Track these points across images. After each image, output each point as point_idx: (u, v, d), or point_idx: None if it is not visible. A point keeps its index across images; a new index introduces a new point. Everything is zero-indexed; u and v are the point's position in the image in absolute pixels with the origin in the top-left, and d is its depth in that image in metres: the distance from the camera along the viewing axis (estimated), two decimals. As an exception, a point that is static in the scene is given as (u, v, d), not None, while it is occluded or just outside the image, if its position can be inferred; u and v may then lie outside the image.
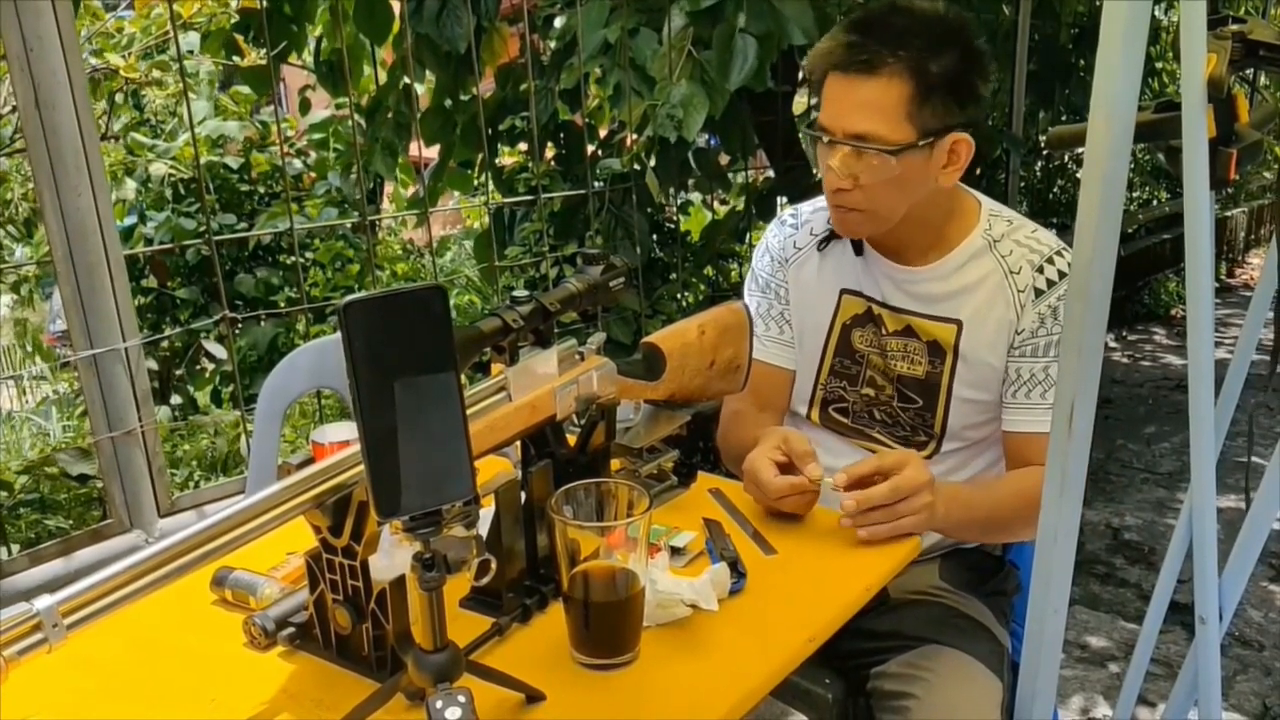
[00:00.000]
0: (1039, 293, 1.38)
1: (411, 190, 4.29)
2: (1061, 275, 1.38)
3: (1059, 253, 1.40)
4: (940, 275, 1.42)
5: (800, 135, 1.42)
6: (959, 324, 1.41)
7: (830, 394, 1.51)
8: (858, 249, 1.47)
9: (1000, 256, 1.41)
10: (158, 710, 0.96)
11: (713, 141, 3.32)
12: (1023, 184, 4.88)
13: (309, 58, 3.11)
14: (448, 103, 3.04)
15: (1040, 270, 1.39)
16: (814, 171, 3.46)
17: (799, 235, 1.54)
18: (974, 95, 1.33)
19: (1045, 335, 1.37)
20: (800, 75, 3.58)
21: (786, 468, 1.26)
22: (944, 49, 1.28)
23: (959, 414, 1.43)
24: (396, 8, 2.77)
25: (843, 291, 1.49)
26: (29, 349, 4.50)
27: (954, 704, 1.25)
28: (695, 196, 4.01)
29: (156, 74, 3.74)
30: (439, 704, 0.80)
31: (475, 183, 3.34)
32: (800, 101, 3.81)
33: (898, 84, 1.27)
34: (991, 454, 1.48)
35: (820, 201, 1.54)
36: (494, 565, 0.86)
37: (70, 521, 2.75)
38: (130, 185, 4.00)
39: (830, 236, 1.50)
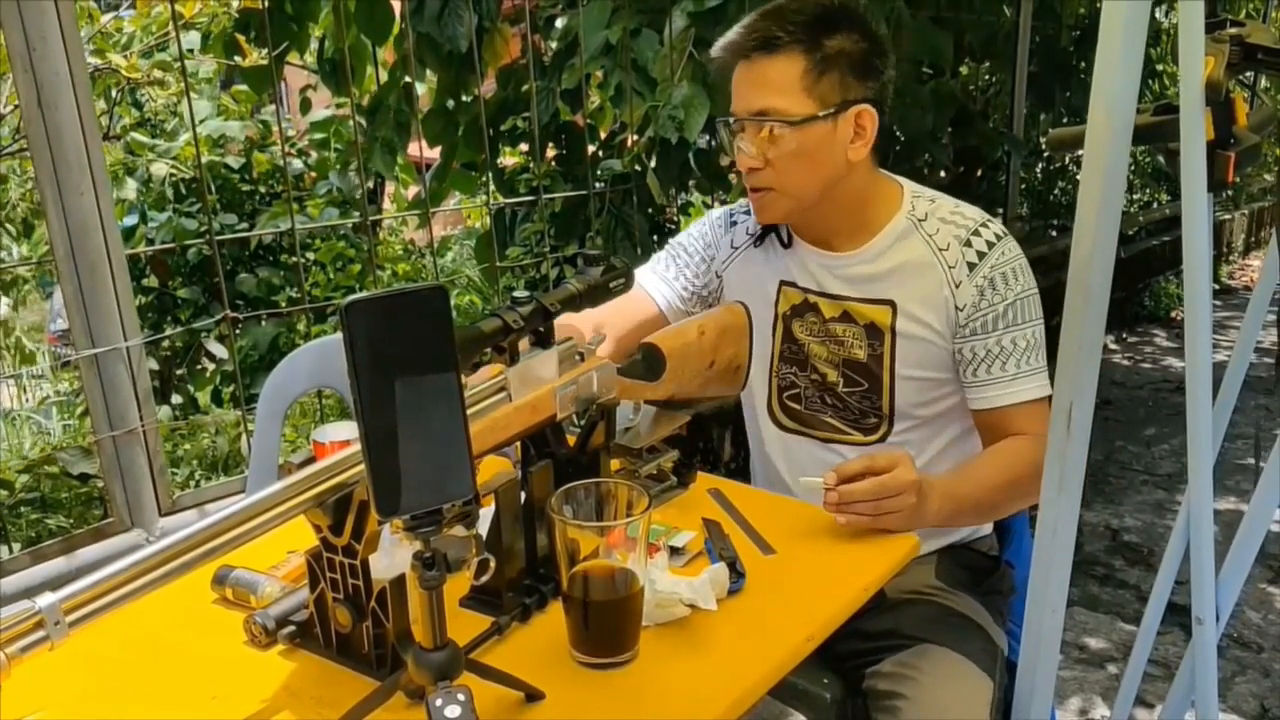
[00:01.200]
0: (971, 266, 1.40)
1: (414, 191, 4.30)
2: (990, 245, 1.40)
3: (984, 224, 1.42)
4: (868, 258, 1.45)
5: (719, 131, 1.47)
6: (892, 304, 1.43)
7: (784, 380, 1.53)
8: (785, 241, 1.51)
9: (927, 235, 1.43)
10: (158, 708, 0.96)
11: (714, 142, 3.32)
12: (1023, 186, 4.88)
13: (310, 58, 3.11)
14: (450, 104, 3.04)
15: (968, 244, 1.40)
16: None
17: (750, 222, 1.57)
18: (873, 71, 1.39)
19: (989, 309, 1.39)
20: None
21: None
22: (836, 28, 1.36)
23: (905, 393, 1.44)
24: (397, 8, 2.77)
25: (781, 283, 1.52)
26: (27, 350, 4.50)
27: (944, 703, 1.25)
28: (696, 197, 4.01)
29: (158, 73, 3.74)
30: (439, 702, 0.81)
31: (479, 183, 3.34)
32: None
33: (793, 59, 1.35)
34: (951, 431, 1.49)
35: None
36: (493, 564, 0.86)
37: (71, 520, 2.76)
38: (131, 185, 4.00)
39: (764, 232, 1.54)
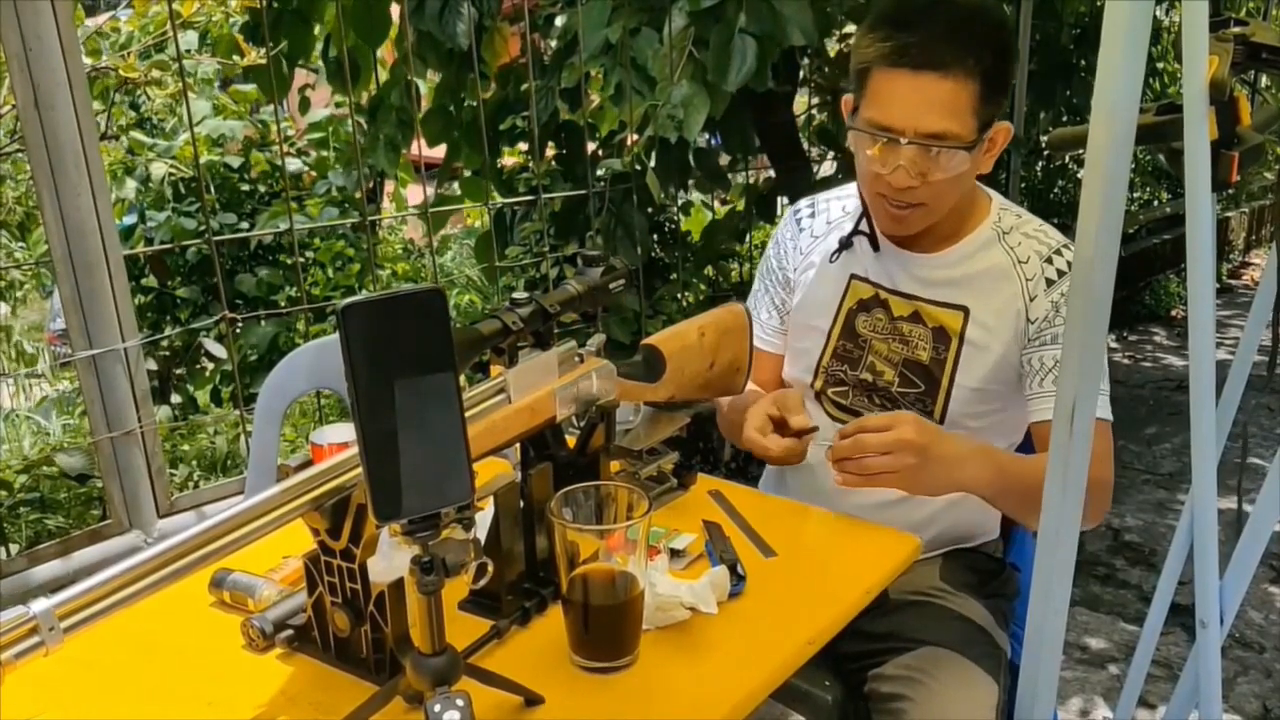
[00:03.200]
0: (1050, 282, 1.39)
1: (413, 190, 4.29)
2: (1071, 266, 1.38)
3: (1067, 245, 1.42)
4: (950, 262, 1.44)
5: (851, 134, 1.36)
6: (965, 310, 1.42)
7: (831, 376, 1.52)
8: (874, 245, 1.48)
9: (1009, 248, 1.43)
10: (156, 711, 0.96)
11: (714, 141, 3.32)
12: (1024, 184, 4.87)
13: (314, 59, 3.10)
14: (450, 107, 3.04)
15: (1049, 261, 1.41)
16: (815, 174, 3.46)
17: (815, 224, 1.57)
18: (1009, 84, 1.36)
19: (1062, 323, 1.37)
20: (801, 75, 3.58)
21: (780, 424, 1.36)
22: (994, 42, 1.31)
23: (960, 402, 1.43)
24: (395, 10, 2.77)
25: (852, 277, 1.51)
26: (28, 354, 4.50)
27: (949, 706, 1.25)
28: (696, 196, 4.00)
29: (156, 73, 3.73)
30: (437, 707, 0.80)
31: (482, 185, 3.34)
32: (801, 101, 3.81)
33: (969, 83, 1.29)
34: (997, 445, 1.47)
35: (840, 193, 1.57)
36: (492, 568, 0.86)
37: (70, 521, 2.75)
38: (130, 185, 3.99)
39: (844, 243, 1.51)
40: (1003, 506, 1.44)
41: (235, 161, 4.25)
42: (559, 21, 3.17)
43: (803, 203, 1.61)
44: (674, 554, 1.18)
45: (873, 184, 1.39)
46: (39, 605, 0.72)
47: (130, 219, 4.09)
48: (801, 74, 3.58)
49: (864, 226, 1.50)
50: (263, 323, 3.89)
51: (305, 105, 3.67)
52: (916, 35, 1.29)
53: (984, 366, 1.42)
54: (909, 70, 1.29)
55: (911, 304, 1.46)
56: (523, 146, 3.67)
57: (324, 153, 4.29)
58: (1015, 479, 1.32)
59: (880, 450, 1.21)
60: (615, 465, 1.29)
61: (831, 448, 1.24)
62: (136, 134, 4.25)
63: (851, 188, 1.55)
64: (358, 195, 3.86)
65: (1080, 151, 1.04)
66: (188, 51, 3.78)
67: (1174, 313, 6.06)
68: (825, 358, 1.52)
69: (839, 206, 1.56)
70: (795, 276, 1.57)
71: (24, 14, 1.74)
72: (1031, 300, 1.40)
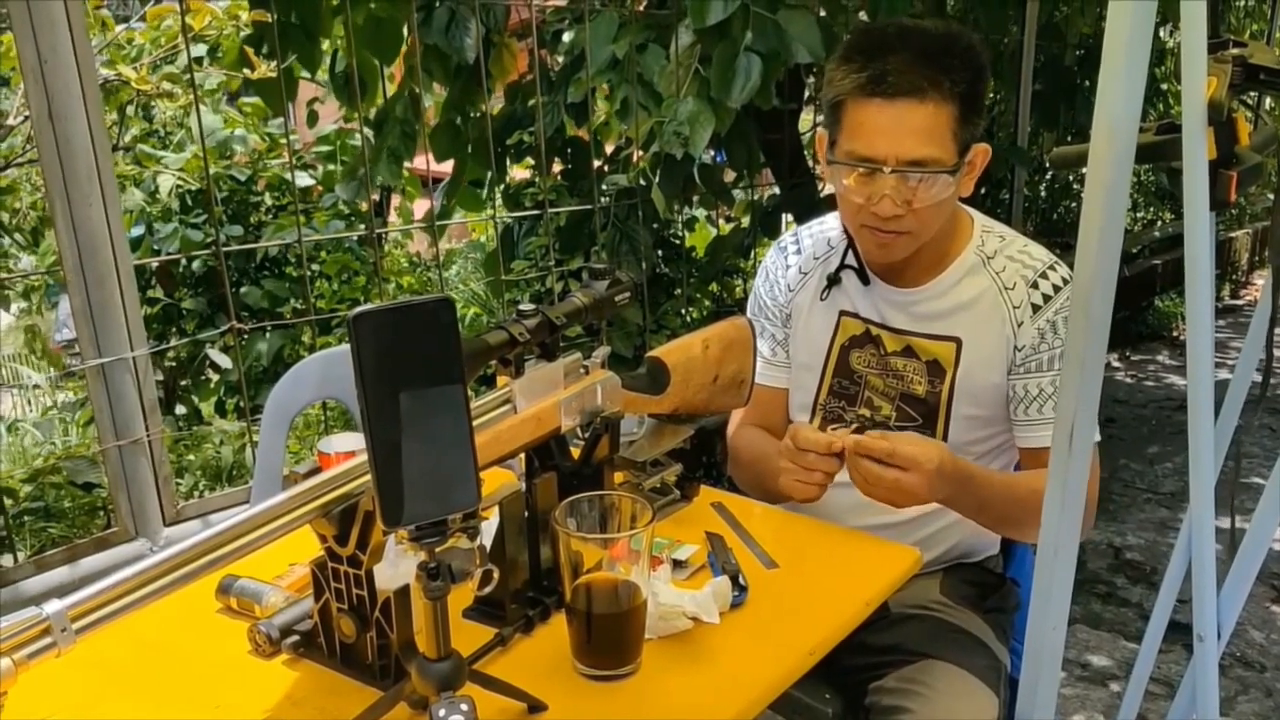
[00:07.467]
0: (1036, 308, 1.39)
1: (419, 204, 4.30)
2: (1057, 289, 1.39)
3: (1052, 266, 1.41)
4: (936, 294, 1.43)
5: (830, 168, 1.36)
6: (958, 341, 1.42)
7: (830, 414, 1.52)
8: (864, 279, 1.47)
9: (994, 273, 1.42)
10: (163, 715, 0.96)
11: (719, 158, 3.33)
12: (1027, 204, 4.89)
13: (322, 73, 3.12)
14: (458, 120, 3.05)
15: (1035, 286, 1.40)
16: (820, 191, 3.48)
17: (802, 260, 1.56)
18: (984, 104, 1.36)
19: (1048, 350, 1.38)
20: (806, 94, 3.61)
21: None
22: (969, 66, 1.30)
23: (959, 430, 1.43)
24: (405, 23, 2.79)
25: (841, 313, 1.50)
26: (38, 355, 4.52)
27: (949, 718, 1.25)
28: (700, 212, 4.02)
29: (167, 85, 3.75)
30: (442, 712, 0.81)
31: (486, 198, 3.35)
32: (806, 119, 3.83)
33: (946, 106, 1.28)
34: (996, 467, 1.48)
35: (821, 225, 1.56)
36: (497, 575, 0.87)
37: (74, 530, 2.76)
38: (138, 196, 4.01)
39: (832, 279, 1.51)
40: (981, 522, 1.45)
41: (242, 174, 4.26)
42: (566, 37, 3.19)
43: (787, 236, 1.60)
44: (676, 564, 1.19)
45: (857, 216, 1.37)
46: (52, 607, 0.73)
47: (138, 230, 4.11)
48: (807, 92, 3.60)
49: (850, 261, 1.49)
50: (268, 334, 3.90)
51: (313, 119, 3.68)
52: (889, 63, 1.28)
53: (981, 394, 1.42)
54: (884, 99, 1.28)
55: (903, 339, 1.45)
56: (529, 161, 3.69)
57: (331, 166, 4.30)
58: (992, 507, 1.35)
59: (884, 484, 1.23)
60: (619, 476, 1.30)
61: (854, 452, 1.24)
62: (144, 146, 4.27)
63: (833, 218, 1.53)
64: (363, 208, 3.87)
65: (1082, 169, 1.05)
66: (198, 61, 3.80)
67: (1176, 333, 6.06)
68: (821, 395, 1.52)
69: (824, 240, 1.54)
70: (790, 310, 1.56)
71: (39, 26, 1.76)
72: (1019, 327, 1.39)
